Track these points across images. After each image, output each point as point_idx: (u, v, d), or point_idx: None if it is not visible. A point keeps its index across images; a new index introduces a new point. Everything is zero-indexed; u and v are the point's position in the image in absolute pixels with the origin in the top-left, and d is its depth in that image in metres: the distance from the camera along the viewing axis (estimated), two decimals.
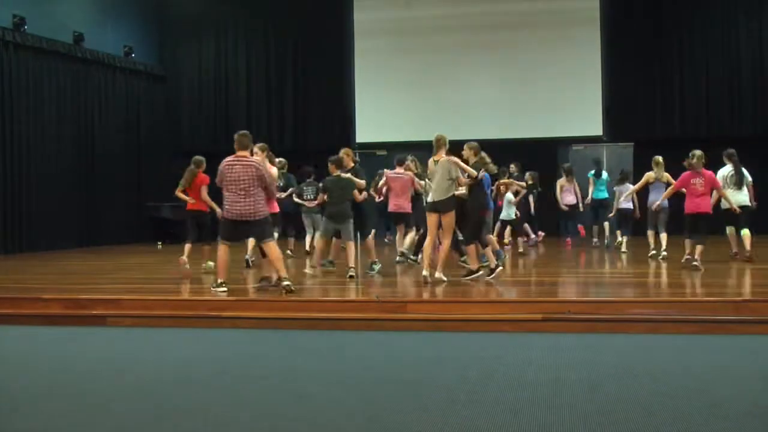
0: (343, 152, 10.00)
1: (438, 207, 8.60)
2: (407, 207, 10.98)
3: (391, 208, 11.08)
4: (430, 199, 8.84)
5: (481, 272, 8.82)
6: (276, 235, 8.91)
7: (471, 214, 8.87)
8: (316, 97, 18.73)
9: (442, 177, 8.52)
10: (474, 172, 8.63)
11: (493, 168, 9.52)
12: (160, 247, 11.26)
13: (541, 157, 17.05)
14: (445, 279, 8.65)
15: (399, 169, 11.00)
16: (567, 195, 14.18)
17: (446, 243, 8.75)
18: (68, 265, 10.32)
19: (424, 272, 8.63)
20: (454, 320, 7.03)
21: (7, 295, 8.51)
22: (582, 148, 17.87)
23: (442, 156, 8.64)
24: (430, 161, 8.86)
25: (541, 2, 17.55)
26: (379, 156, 18.60)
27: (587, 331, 6.67)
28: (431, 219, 8.74)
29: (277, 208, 9.59)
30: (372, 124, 18.29)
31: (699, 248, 9.66)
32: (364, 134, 18.45)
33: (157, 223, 17.21)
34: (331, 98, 18.65)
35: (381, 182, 11.69)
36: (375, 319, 7.09)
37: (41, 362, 6.04)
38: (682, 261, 9.88)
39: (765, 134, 16.64)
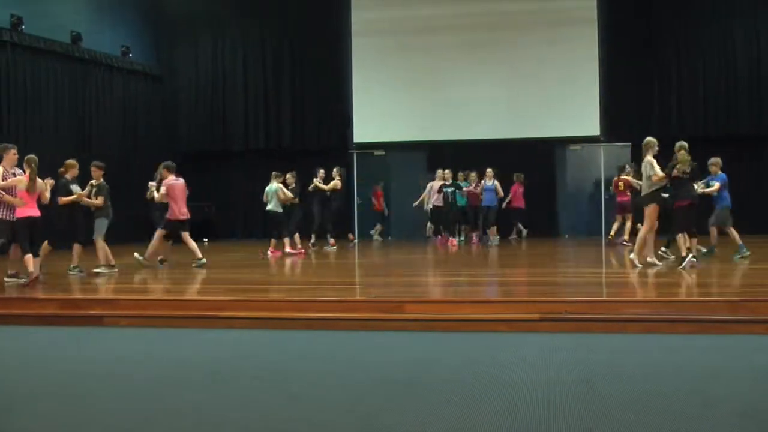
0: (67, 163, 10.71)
1: (640, 201, 10.06)
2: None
3: (180, 215, 11.17)
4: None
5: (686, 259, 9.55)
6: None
7: (671, 208, 9.93)
8: (313, 97, 18.71)
9: (643, 176, 9.61)
10: (659, 173, 9.41)
11: (682, 167, 9.68)
12: None
13: (538, 158, 17.07)
14: (638, 265, 9.53)
15: (172, 176, 11.21)
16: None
17: (642, 231, 9.76)
18: (64, 265, 10.30)
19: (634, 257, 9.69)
20: (450, 320, 7.03)
21: (3, 295, 8.49)
22: (579, 148, 17.88)
23: (647, 157, 9.56)
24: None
25: (538, 2, 17.57)
26: (377, 156, 18.62)
27: (582, 330, 6.67)
28: (644, 212, 9.75)
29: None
30: (370, 124, 18.29)
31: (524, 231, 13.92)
32: (361, 134, 18.44)
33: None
34: (329, 98, 18.64)
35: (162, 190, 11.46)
36: (370, 319, 7.09)
37: (37, 363, 6.03)
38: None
39: (761, 133, 16.67)
